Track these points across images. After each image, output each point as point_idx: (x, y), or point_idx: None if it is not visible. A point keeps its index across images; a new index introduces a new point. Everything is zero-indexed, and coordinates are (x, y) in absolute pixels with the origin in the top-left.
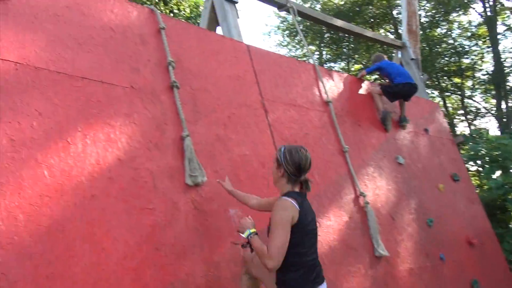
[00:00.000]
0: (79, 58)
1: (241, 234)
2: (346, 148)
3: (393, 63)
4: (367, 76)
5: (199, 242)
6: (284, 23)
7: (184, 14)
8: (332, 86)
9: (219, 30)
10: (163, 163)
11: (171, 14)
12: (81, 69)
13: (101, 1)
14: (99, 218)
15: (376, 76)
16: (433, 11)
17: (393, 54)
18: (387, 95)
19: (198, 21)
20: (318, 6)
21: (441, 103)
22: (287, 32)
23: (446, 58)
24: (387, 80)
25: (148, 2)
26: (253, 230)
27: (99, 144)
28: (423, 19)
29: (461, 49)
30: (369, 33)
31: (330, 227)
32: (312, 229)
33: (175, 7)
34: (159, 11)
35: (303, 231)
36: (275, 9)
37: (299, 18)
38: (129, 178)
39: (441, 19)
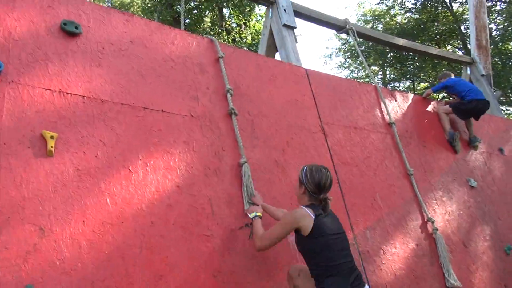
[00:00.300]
0: (142, 89)
1: (248, 215)
2: (411, 170)
3: (461, 80)
4: (433, 95)
5: (257, 269)
6: (345, 44)
7: (246, 41)
8: (395, 106)
9: (277, 56)
10: (221, 189)
11: (234, 43)
12: (143, 100)
13: (163, 34)
14: (158, 245)
15: (444, 94)
16: (505, 24)
17: (462, 71)
18: (458, 113)
19: None
20: (380, 26)
21: None
22: (348, 53)
23: None
24: (455, 98)
25: (211, 33)
26: (259, 214)
27: (159, 171)
28: (494, 33)
29: None
30: (434, 50)
31: (395, 255)
32: (337, 234)
33: (237, 36)
34: (218, 40)
35: (324, 237)
36: (337, 33)
37: (360, 40)
38: (188, 204)
39: None
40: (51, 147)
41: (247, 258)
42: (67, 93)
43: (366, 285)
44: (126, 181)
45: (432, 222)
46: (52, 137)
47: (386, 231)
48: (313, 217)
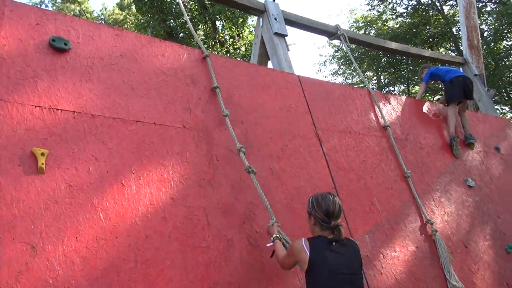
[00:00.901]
0: (133, 102)
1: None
2: (408, 173)
3: (439, 66)
4: (427, 96)
5: (256, 279)
6: (339, 51)
7: (239, 53)
8: (390, 109)
9: (270, 65)
10: (216, 200)
11: (227, 54)
12: (134, 113)
13: (153, 47)
14: (153, 258)
15: (440, 96)
16: (496, 24)
17: None
18: (449, 98)
19: None
20: (373, 32)
21: None
22: (342, 60)
23: None
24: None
25: (205, 45)
26: (274, 236)
27: (153, 184)
28: (486, 33)
29: None
30: (426, 52)
31: (395, 258)
32: (345, 274)
33: (230, 47)
34: (208, 51)
35: (323, 277)
36: (329, 40)
37: (352, 45)
38: (182, 216)
39: (506, 31)
40: (42, 164)
41: (244, 268)
42: (57, 109)
43: None
44: (119, 195)
45: (431, 224)
46: (42, 154)
47: (385, 234)
48: (308, 253)
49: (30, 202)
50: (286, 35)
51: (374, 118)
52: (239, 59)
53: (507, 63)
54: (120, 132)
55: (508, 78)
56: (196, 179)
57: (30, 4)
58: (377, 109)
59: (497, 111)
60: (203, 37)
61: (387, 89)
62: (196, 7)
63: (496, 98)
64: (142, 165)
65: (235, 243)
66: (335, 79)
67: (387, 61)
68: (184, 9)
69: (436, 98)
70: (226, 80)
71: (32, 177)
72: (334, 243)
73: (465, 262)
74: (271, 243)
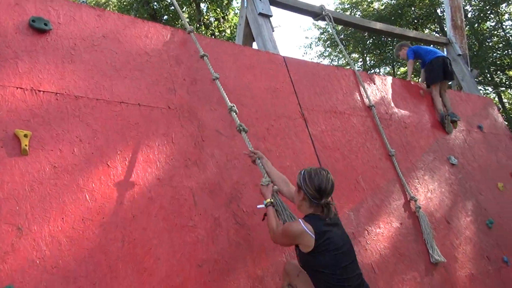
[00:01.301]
0: (117, 83)
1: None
2: (393, 151)
3: (421, 46)
4: (414, 79)
5: (242, 257)
6: (325, 34)
7: (225, 35)
8: (374, 90)
9: (255, 46)
10: (202, 180)
11: (213, 37)
12: (119, 94)
13: (136, 27)
14: (140, 238)
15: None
16: (480, 4)
17: None
18: (430, 79)
19: None
20: (358, 13)
21: (497, 99)
22: (328, 42)
23: (498, 52)
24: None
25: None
26: (268, 201)
27: (138, 165)
28: (469, 14)
29: None
30: (411, 33)
31: (379, 235)
32: (344, 245)
33: (216, 30)
34: (194, 32)
35: (331, 253)
36: (314, 21)
37: (338, 27)
38: (169, 197)
39: (490, 11)
40: (25, 145)
41: (231, 246)
42: (39, 90)
43: None
44: (105, 176)
45: (415, 201)
46: (25, 136)
47: (370, 212)
48: (313, 236)
49: (14, 183)
50: (271, 16)
51: (359, 98)
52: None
53: (490, 44)
54: (104, 114)
55: (491, 59)
56: (182, 160)
57: None
58: (362, 89)
59: (481, 91)
60: (188, 20)
61: (373, 70)
62: None
63: (479, 78)
64: (128, 146)
65: (222, 222)
66: (321, 61)
67: (372, 42)
68: None
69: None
70: (211, 61)
71: (16, 158)
72: (327, 219)
73: (447, 237)
74: (262, 205)
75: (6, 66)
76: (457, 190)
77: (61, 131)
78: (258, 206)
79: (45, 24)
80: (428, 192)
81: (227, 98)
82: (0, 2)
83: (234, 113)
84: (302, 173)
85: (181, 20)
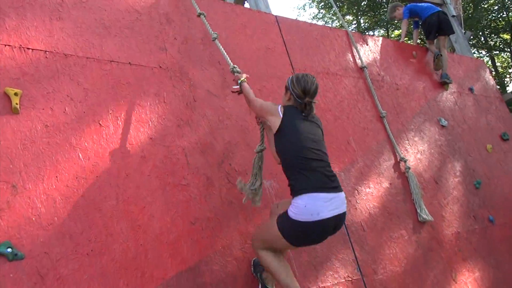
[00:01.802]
0: (107, 42)
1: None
2: (384, 113)
3: (417, 3)
4: (407, 40)
5: (234, 215)
6: None
7: None
8: (367, 51)
9: (247, 5)
10: (195, 140)
11: None
12: (109, 53)
13: None
14: (134, 196)
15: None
16: None
17: None
18: (430, 33)
19: None
20: None
21: (490, 62)
22: (322, 4)
23: (494, 14)
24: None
25: None
26: (242, 79)
27: (131, 124)
28: None
29: (509, 2)
30: None
31: (369, 194)
32: (310, 134)
33: None
34: None
35: (293, 135)
36: None
37: None
38: (162, 156)
39: None
40: (16, 104)
41: (224, 204)
42: (28, 48)
43: (343, 192)
44: (98, 135)
45: (405, 162)
46: (16, 94)
47: (360, 172)
48: (281, 115)
49: (7, 142)
50: None
51: (351, 59)
52: None
53: (485, 6)
54: (94, 72)
55: (486, 21)
56: (174, 120)
57: None
58: (354, 50)
59: (475, 54)
60: None
61: (367, 33)
62: None
63: (473, 41)
64: (119, 105)
65: (214, 181)
66: (315, 23)
67: (367, 4)
68: None
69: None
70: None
71: (7, 117)
72: (303, 113)
73: (435, 197)
74: (237, 86)
75: None
76: (446, 152)
77: (51, 90)
78: (233, 87)
79: None
80: (418, 153)
81: (229, 58)
82: None
83: (237, 73)
84: (291, 77)
85: None
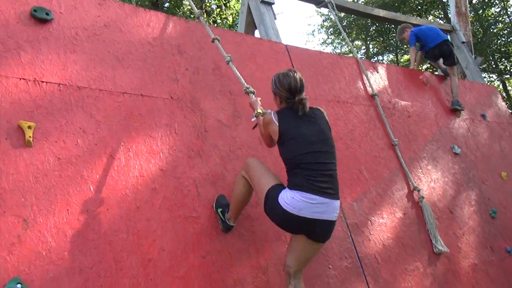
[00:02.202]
0: (119, 74)
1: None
2: (396, 141)
3: (422, 27)
4: (417, 67)
5: (246, 248)
6: (327, 21)
7: (226, 23)
8: (377, 78)
9: (257, 34)
10: (206, 171)
11: (215, 24)
12: (121, 85)
13: (138, 16)
14: (144, 229)
15: (428, 65)
16: None
17: None
18: (432, 58)
19: None
20: (361, 0)
21: (501, 86)
22: (331, 29)
23: (503, 39)
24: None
25: (192, 16)
26: (257, 112)
27: (142, 156)
28: (474, 0)
29: None
30: (414, 20)
31: (383, 225)
32: (307, 140)
33: (217, 17)
34: (203, 16)
35: (291, 141)
36: (317, 8)
37: (340, 14)
38: (173, 187)
39: None
40: (29, 137)
41: (235, 237)
42: (42, 81)
43: (337, 201)
44: (109, 167)
45: (418, 191)
46: (29, 127)
47: (373, 202)
48: (276, 123)
49: (19, 175)
50: (273, 3)
51: (362, 87)
52: (226, 29)
53: (495, 30)
54: (107, 104)
55: (495, 46)
56: (185, 150)
57: None
58: (365, 78)
59: (485, 79)
60: (189, 7)
61: (376, 58)
62: None
63: (484, 66)
64: (131, 137)
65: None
66: (324, 48)
67: (375, 30)
68: None
69: (425, 67)
70: (213, 50)
71: (20, 150)
72: (300, 113)
73: (450, 227)
74: (255, 118)
75: (9, 56)
76: (460, 180)
77: (64, 122)
78: (252, 119)
79: (47, 14)
80: (431, 181)
81: (243, 79)
82: None
83: (252, 94)
84: (273, 79)
85: (183, 7)
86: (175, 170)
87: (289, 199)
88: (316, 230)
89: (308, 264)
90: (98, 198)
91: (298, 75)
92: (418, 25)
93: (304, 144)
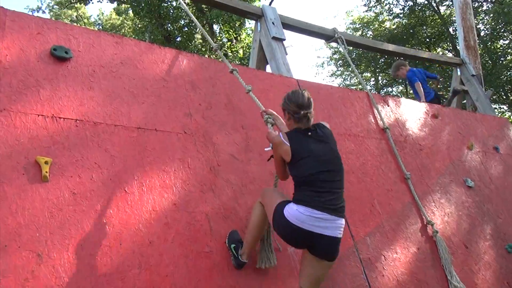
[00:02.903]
0: (134, 109)
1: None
2: (408, 174)
3: (416, 71)
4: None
5: (258, 284)
6: (337, 53)
7: (237, 56)
8: (388, 111)
9: (268, 69)
10: (218, 205)
11: (226, 57)
12: (136, 120)
13: (153, 53)
14: (157, 264)
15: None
16: (493, 23)
17: (453, 72)
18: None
19: None
20: (370, 33)
21: None
22: (340, 61)
23: None
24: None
25: (203, 49)
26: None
27: (155, 190)
28: (482, 33)
29: None
30: (424, 54)
31: (396, 260)
32: (317, 159)
33: (228, 50)
34: (220, 50)
35: (301, 161)
36: (326, 43)
37: (350, 48)
38: (185, 222)
39: (503, 30)
40: (46, 172)
41: (247, 272)
42: (60, 117)
43: (342, 219)
44: (122, 202)
45: (432, 225)
46: (46, 163)
47: (386, 236)
48: (287, 143)
49: (35, 210)
50: (284, 39)
51: (373, 121)
52: (237, 62)
53: (504, 62)
54: (122, 139)
55: (505, 77)
56: (197, 185)
57: (27, 10)
58: (375, 111)
59: (495, 110)
60: (200, 41)
61: (385, 89)
62: (194, 11)
63: (494, 97)
64: (145, 171)
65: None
66: (333, 80)
67: (384, 61)
68: (189, 12)
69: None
70: (226, 85)
71: (37, 185)
72: (309, 132)
73: (466, 263)
74: (269, 148)
75: (28, 94)
76: (475, 214)
77: (80, 157)
78: (266, 149)
79: (66, 52)
80: (445, 215)
81: (261, 105)
82: (23, 31)
83: (270, 125)
84: (284, 97)
85: (194, 41)
86: (187, 205)
87: (293, 211)
88: (318, 245)
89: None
90: (111, 233)
91: (306, 93)
92: (429, 60)
93: (315, 164)
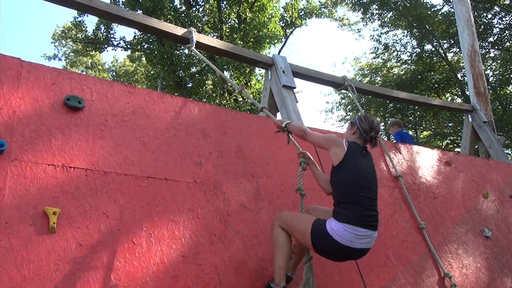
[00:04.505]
0: (145, 158)
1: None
2: (423, 224)
3: (407, 136)
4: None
5: None
6: (345, 98)
7: (247, 101)
8: (400, 159)
9: (279, 116)
10: (228, 257)
11: (236, 104)
12: (146, 169)
13: (164, 102)
14: None
15: (448, 141)
16: (501, 69)
17: (464, 119)
18: None
19: None
20: (378, 79)
21: None
22: (349, 106)
23: None
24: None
25: (213, 95)
26: (288, 121)
27: (164, 242)
28: (491, 79)
29: None
30: (435, 101)
31: None
32: (363, 175)
33: (238, 96)
34: (241, 85)
35: (353, 170)
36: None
37: (359, 95)
38: (194, 275)
39: None
40: (54, 223)
41: None
42: (70, 167)
43: (376, 232)
44: (130, 254)
45: (450, 278)
46: (54, 213)
47: None
48: (345, 149)
49: (40, 263)
50: (294, 87)
51: (385, 168)
52: (248, 107)
53: None
54: (131, 189)
55: None
56: (207, 236)
57: (44, 58)
58: (387, 158)
59: (508, 155)
60: (211, 87)
61: None
62: (206, 58)
63: (506, 141)
64: (153, 222)
65: None
66: (342, 125)
67: (393, 107)
68: (206, 59)
69: (445, 142)
70: (237, 134)
71: (44, 237)
72: (364, 151)
73: None
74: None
75: (40, 143)
76: (494, 265)
77: (89, 208)
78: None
79: (79, 102)
80: (463, 267)
81: (300, 148)
82: (38, 81)
83: (302, 169)
84: (357, 116)
85: (205, 87)
86: (196, 257)
87: (341, 230)
88: (357, 257)
89: None
90: (118, 286)
91: (379, 121)
92: (439, 107)
93: (361, 178)
